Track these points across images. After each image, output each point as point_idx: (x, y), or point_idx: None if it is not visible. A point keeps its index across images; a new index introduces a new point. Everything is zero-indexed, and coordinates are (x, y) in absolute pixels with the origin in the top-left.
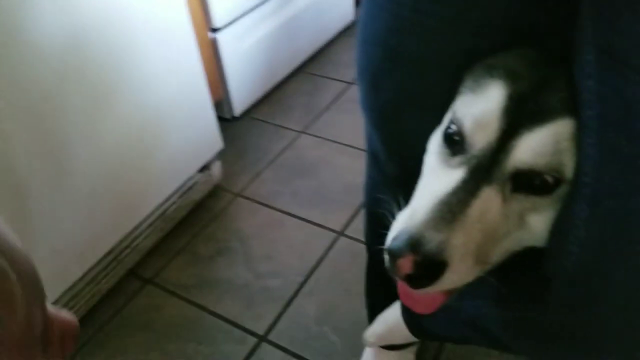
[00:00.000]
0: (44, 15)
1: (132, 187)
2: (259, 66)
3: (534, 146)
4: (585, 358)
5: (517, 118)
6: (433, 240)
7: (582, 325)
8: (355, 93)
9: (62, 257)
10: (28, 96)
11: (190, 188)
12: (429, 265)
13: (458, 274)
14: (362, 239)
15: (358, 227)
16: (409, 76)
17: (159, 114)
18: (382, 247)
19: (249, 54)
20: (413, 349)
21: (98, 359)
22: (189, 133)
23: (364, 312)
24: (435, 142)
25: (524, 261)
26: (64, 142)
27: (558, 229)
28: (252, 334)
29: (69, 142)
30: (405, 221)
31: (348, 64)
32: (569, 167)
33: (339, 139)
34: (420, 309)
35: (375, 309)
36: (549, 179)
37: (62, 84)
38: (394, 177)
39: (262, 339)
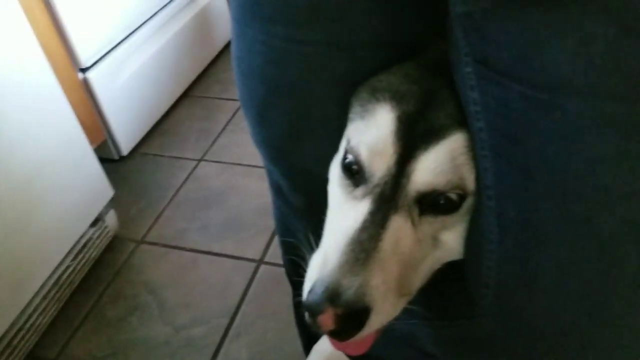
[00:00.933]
0: None
1: (17, 260)
2: (140, 98)
3: (433, 166)
4: None
5: (411, 139)
6: (351, 286)
7: (512, 334)
8: None
9: None
10: None
11: (84, 246)
12: (351, 315)
13: (383, 313)
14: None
15: (277, 252)
16: (296, 107)
17: (32, 176)
18: (301, 278)
19: (127, 87)
20: None
21: None
22: (72, 186)
23: (298, 344)
24: (335, 173)
25: (447, 275)
26: None
27: (471, 244)
28: None
29: None
30: (319, 268)
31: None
32: (469, 180)
33: (241, 161)
34: (352, 351)
35: (308, 337)
36: (453, 196)
37: None
38: (303, 207)
39: None
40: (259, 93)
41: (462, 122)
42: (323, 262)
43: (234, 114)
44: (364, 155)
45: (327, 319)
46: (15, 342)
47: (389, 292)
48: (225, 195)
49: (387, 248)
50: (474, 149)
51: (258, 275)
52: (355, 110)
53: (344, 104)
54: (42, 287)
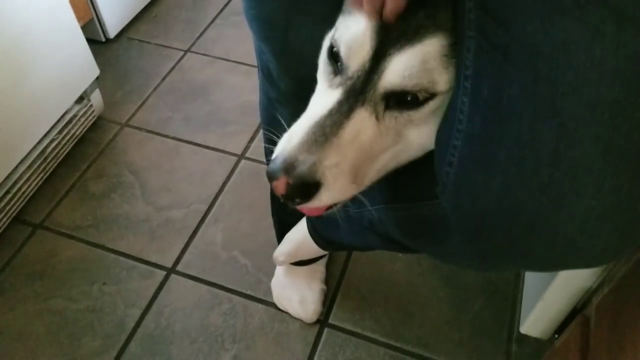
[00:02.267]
0: None
1: (3, 127)
2: None
3: (402, 68)
4: (473, 248)
5: (388, 37)
6: (305, 162)
7: (468, 213)
8: (239, 5)
9: None
10: None
11: (69, 122)
12: (301, 185)
13: (333, 191)
14: (264, 160)
15: (259, 149)
16: None
17: (20, 43)
18: None
19: None
20: (323, 261)
21: None
22: (58, 61)
23: (271, 234)
24: (322, 59)
25: (414, 165)
26: None
27: (442, 131)
28: (159, 267)
29: None
30: (283, 144)
31: None
32: (440, 83)
33: (228, 57)
34: (306, 211)
35: (282, 226)
36: (420, 96)
37: None
38: (290, 93)
39: (171, 270)
40: None
41: (441, 24)
42: (287, 140)
43: (224, 7)
44: (343, 50)
45: (279, 185)
46: (2, 204)
47: (341, 174)
48: (209, 89)
49: (346, 136)
50: (459, 31)
51: (238, 168)
52: (346, 2)
53: None
54: (27, 155)
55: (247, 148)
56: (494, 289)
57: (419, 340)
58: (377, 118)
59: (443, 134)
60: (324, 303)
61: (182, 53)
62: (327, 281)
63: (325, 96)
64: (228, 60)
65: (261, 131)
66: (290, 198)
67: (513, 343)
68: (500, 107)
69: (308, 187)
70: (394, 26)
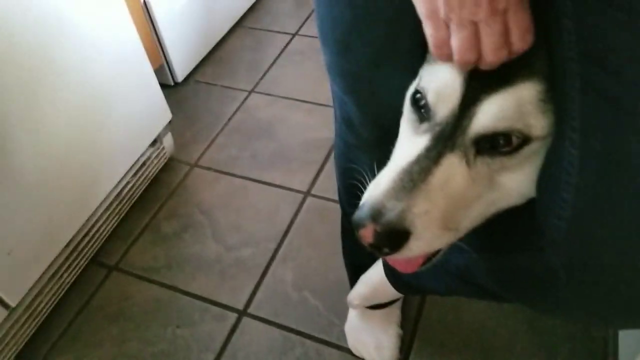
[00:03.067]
0: None
1: (83, 173)
2: (196, 26)
3: (495, 111)
4: (584, 304)
5: (479, 84)
6: (394, 209)
7: (580, 268)
8: (301, 44)
9: (19, 257)
10: None
11: (143, 164)
12: (389, 234)
13: (423, 241)
14: (330, 196)
15: (324, 185)
16: (382, 35)
17: (100, 92)
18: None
19: (184, 13)
20: (398, 304)
21: (72, 355)
22: (134, 107)
23: (341, 273)
24: (406, 107)
25: (510, 213)
26: (5, 137)
27: (546, 181)
28: (231, 309)
29: (10, 135)
30: (370, 192)
31: (288, 14)
32: (536, 127)
33: (290, 95)
34: (401, 267)
35: (354, 268)
36: (514, 138)
37: None
38: (372, 140)
39: (243, 313)
40: (344, 20)
41: (535, 69)
42: (374, 186)
43: (285, 47)
44: (430, 97)
45: (367, 233)
46: (80, 247)
47: (432, 222)
48: (274, 127)
49: (436, 182)
50: (560, 83)
51: (305, 206)
52: None
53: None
54: (105, 199)
55: (312, 184)
56: (582, 334)
57: None
58: (467, 164)
59: (547, 184)
60: (400, 348)
61: (247, 93)
62: (402, 324)
63: (411, 143)
64: (290, 99)
65: (326, 168)
66: (378, 247)
67: None
68: (618, 162)
69: (397, 235)
70: (484, 73)
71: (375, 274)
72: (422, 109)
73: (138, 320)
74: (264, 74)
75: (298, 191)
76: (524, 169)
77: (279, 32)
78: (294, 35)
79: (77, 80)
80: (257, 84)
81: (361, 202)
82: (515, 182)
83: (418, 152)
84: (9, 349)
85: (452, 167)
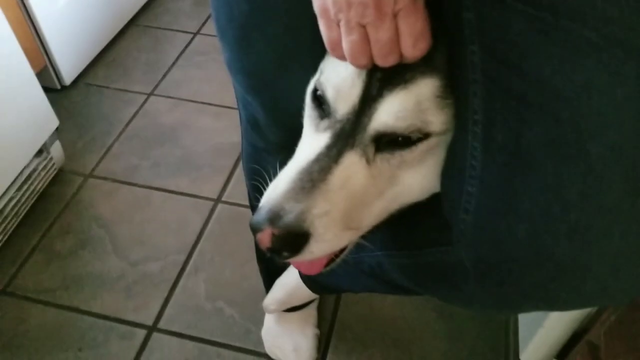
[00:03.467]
0: None
1: None
2: (84, 24)
3: (396, 110)
4: (495, 294)
5: (379, 80)
6: (292, 211)
7: (488, 259)
8: (203, 44)
9: None
10: None
11: (28, 177)
12: (288, 237)
13: (324, 242)
14: (242, 202)
15: (235, 192)
16: (284, 29)
17: None
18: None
19: (69, 10)
20: (314, 304)
21: None
22: (13, 113)
23: (256, 280)
24: (307, 103)
25: (418, 210)
26: None
27: (450, 175)
28: (140, 325)
29: None
30: (269, 194)
31: (188, 12)
32: (434, 124)
33: (195, 98)
34: (304, 270)
35: (269, 273)
36: (413, 136)
37: None
38: (279, 143)
39: (152, 328)
40: (241, 12)
41: (434, 65)
42: (273, 188)
43: (186, 47)
44: (330, 93)
45: (264, 237)
46: None
47: (333, 223)
48: (177, 132)
49: (335, 182)
50: (462, 76)
51: (215, 213)
52: None
53: None
54: None
55: (223, 191)
56: (486, 318)
57: None
58: (367, 161)
59: (452, 179)
60: (318, 348)
61: (145, 96)
62: (319, 324)
63: (312, 141)
64: (195, 102)
65: (236, 173)
66: (277, 251)
67: None
68: (520, 154)
69: (295, 238)
70: (386, 69)
71: (290, 278)
72: (322, 105)
73: (34, 346)
74: (164, 76)
75: (207, 199)
76: (425, 163)
77: (178, 30)
78: (195, 34)
79: None
80: (157, 86)
81: (260, 205)
82: (416, 177)
83: (318, 151)
84: None
85: (353, 165)
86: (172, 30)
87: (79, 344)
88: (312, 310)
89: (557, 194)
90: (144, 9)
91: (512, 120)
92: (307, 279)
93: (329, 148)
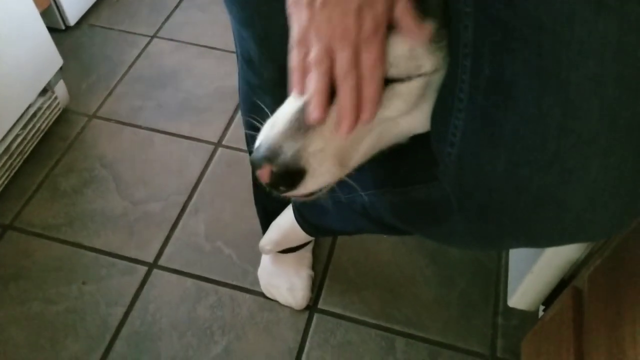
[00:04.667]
0: None
1: None
2: None
3: (390, 58)
4: (477, 227)
5: None
6: (289, 150)
7: (471, 193)
8: None
9: None
10: None
11: (33, 116)
12: (286, 174)
13: (318, 177)
14: (242, 147)
15: (236, 136)
16: None
17: None
18: None
19: None
20: (309, 247)
21: None
22: (18, 51)
23: (254, 222)
24: None
25: (406, 149)
26: None
27: (439, 111)
28: (141, 262)
29: None
30: (266, 132)
31: None
32: (426, 66)
33: (197, 41)
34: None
35: (266, 215)
36: (405, 79)
37: None
38: (273, 80)
39: (153, 265)
40: None
41: (429, 10)
42: (271, 126)
43: None
44: None
45: (264, 174)
46: None
47: (326, 159)
48: (180, 75)
49: (330, 120)
50: (454, 12)
51: (215, 157)
52: None
53: None
54: None
55: (223, 135)
56: (478, 264)
57: (408, 319)
58: None
59: (441, 114)
60: (312, 289)
61: (149, 39)
62: (314, 266)
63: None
64: (197, 45)
65: (237, 118)
66: (275, 186)
67: (499, 316)
68: (504, 84)
69: (292, 174)
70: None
71: (285, 219)
72: None
73: (39, 279)
74: (167, 18)
75: (208, 142)
76: (412, 97)
77: None
78: None
79: None
80: (160, 28)
81: (257, 143)
82: (404, 107)
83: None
84: None
85: None
86: None
87: (83, 278)
88: (307, 253)
89: (536, 125)
90: None
91: (498, 51)
92: (300, 219)
93: None
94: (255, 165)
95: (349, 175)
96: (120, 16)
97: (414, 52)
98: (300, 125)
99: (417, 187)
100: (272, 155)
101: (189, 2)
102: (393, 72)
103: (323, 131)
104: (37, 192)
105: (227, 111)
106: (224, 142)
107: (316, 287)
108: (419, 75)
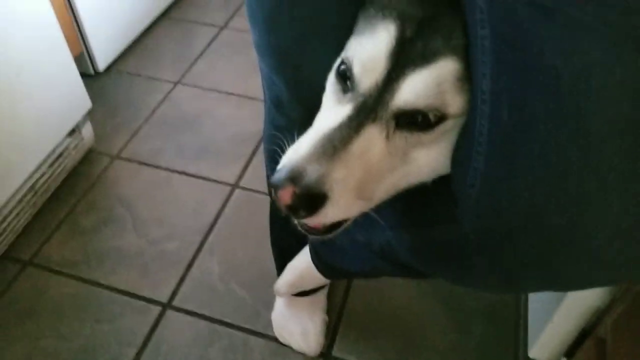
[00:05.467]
0: None
1: None
2: (119, 13)
3: (417, 89)
4: (497, 267)
5: (403, 60)
6: (313, 173)
7: (492, 233)
8: (229, 38)
9: None
10: None
11: (60, 155)
12: (308, 196)
13: (339, 207)
14: (258, 189)
15: (252, 178)
16: (309, 12)
17: (11, 77)
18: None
19: (107, 0)
20: (324, 291)
21: None
22: (51, 93)
23: (268, 264)
24: (329, 78)
25: (426, 189)
26: None
27: (459, 154)
28: (155, 302)
29: None
30: (289, 156)
31: (216, 7)
32: (452, 106)
33: (218, 88)
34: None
35: (282, 256)
36: (431, 116)
37: None
38: (300, 121)
39: (167, 306)
40: None
41: (455, 49)
42: (293, 151)
43: (212, 39)
44: (357, 68)
45: (285, 195)
46: None
47: (348, 190)
48: (200, 120)
49: (355, 151)
50: (473, 59)
51: (232, 198)
52: (360, 23)
53: (355, 15)
54: (18, 190)
55: (240, 177)
56: (495, 312)
57: None
58: (386, 137)
59: (460, 157)
60: (326, 334)
61: (172, 85)
62: (328, 311)
63: (333, 112)
64: (219, 92)
65: (254, 160)
66: (296, 209)
67: None
68: (522, 130)
69: (314, 198)
70: (409, 49)
71: (301, 260)
72: (346, 80)
73: (54, 316)
74: (191, 66)
75: (225, 183)
76: (438, 145)
77: (206, 24)
78: (222, 28)
79: None
80: (183, 75)
81: (279, 166)
82: (428, 157)
83: (340, 120)
84: None
85: (372, 138)
86: (200, 23)
87: (97, 316)
88: (321, 297)
89: (556, 168)
90: (176, 2)
91: (516, 99)
92: (318, 261)
93: (350, 119)
94: (276, 186)
95: (371, 211)
96: (147, 63)
97: (441, 87)
98: (325, 151)
99: (438, 227)
100: (295, 177)
101: (211, 52)
102: (420, 103)
103: (348, 160)
104: (58, 229)
105: (244, 154)
106: (241, 184)
107: (330, 332)
108: (444, 119)
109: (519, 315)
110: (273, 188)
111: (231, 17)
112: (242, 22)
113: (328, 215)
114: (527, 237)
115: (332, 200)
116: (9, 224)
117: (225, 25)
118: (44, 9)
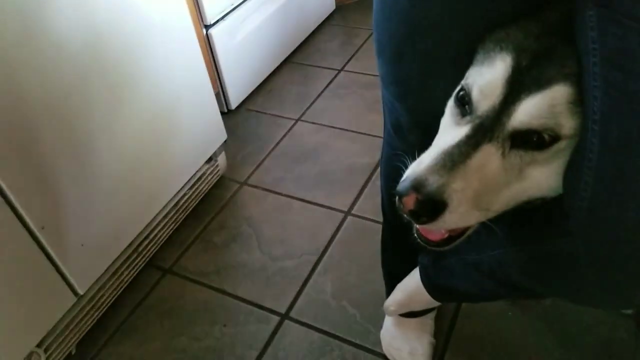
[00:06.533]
0: (63, 17)
1: (149, 180)
2: (251, 59)
3: (531, 110)
4: (607, 280)
5: (519, 86)
6: (434, 182)
7: (601, 245)
8: (346, 80)
9: (90, 251)
10: (52, 95)
11: (199, 179)
12: (429, 203)
13: (457, 214)
14: (369, 217)
15: (364, 207)
16: (433, 45)
17: (168, 109)
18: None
19: (241, 47)
20: (432, 314)
21: (127, 347)
22: (196, 126)
23: (377, 286)
24: (449, 103)
25: (543, 206)
26: (87, 139)
27: (571, 170)
28: (274, 312)
29: (91, 138)
30: (413, 168)
31: (335, 52)
32: (565, 127)
33: (334, 124)
34: (430, 235)
35: (392, 277)
36: (546, 136)
37: (82, 82)
38: (418, 144)
39: (285, 316)
40: (399, 33)
41: (568, 76)
42: (417, 164)
43: (330, 81)
44: (475, 93)
45: (409, 201)
46: (140, 248)
47: (466, 199)
48: (318, 152)
49: (472, 165)
50: (585, 83)
51: (345, 224)
52: (478, 55)
53: (473, 49)
54: (164, 207)
55: (353, 205)
56: (611, 351)
57: None
58: (502, 154)
59: (572, 173)
60: (433, 357)
61: (294, 122)
62: (435, 336)
63: (452, 132)
64: (335, 128)
65: (366, 190)
66: (417, 215)
67: None
68: (630, 145)
69: (435, 206)
70: (525, 77)
71: (411, 280)
72: (465, 105)
73: (188, 318)
74: (310, 105)
75: (339, 210)
76: (552, 164)
77: (325, 67)
78: (339, 71)
79: (150, 97)
80: (304, 113)
81: (403, 177)
82: (543, 175)
83: (459, 138)
84: (73, 335)
85: (489, 155)
86: (320, 67)
87: (224, 321)
88: (429, 320)
89: None
90: (298, 49)
91: (625, 117)
92: (427, 281)
93: (469, 137)
94: (401, 194)
95: (488, 221)
96: (272, 103)
97: (555, 109)
98: (445, 165)
99: (551, 241)
100: (418, 185)
101: (329, 92)
102: (535, 123)
103: (467, 173)
104: (194, 243)
105: (357, 185)
106: (353, 211)
107: (437, 357)
108: (557, 139)
109: (636, 353)
110: (398, 196)
111: (348, 61)
112: (357, 66)
113: (447, 221)
114: (635, 248)
115: (451, 208)
116: (155, 235)
117: (342, 69)
118: (194, 53)
